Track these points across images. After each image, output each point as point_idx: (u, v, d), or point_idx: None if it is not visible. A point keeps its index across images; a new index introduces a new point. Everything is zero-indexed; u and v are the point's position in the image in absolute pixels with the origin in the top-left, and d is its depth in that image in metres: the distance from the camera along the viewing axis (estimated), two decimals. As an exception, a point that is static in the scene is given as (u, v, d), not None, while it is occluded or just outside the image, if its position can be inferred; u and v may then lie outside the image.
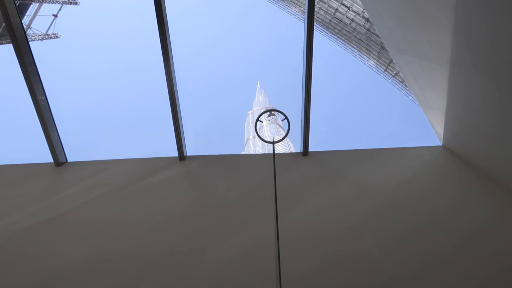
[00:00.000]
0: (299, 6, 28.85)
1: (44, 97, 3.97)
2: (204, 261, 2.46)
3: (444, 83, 3.28)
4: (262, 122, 3.55)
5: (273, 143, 3.39)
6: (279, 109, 3.79)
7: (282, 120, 3.48)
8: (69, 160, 4.32)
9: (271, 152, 3.29)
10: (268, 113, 3.87)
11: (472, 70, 2.71)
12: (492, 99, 2.73)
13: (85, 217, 3.10)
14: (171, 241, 2.70)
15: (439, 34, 2.77)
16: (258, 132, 3.67)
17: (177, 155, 4.23)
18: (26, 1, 27.77)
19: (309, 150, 4.24)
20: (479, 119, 3.17)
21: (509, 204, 2.98)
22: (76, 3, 34.65)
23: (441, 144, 4.31)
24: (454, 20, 2.45)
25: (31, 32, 32.70)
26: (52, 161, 4.16)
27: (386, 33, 3.93)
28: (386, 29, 3.85)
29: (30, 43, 3.77)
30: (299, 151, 4.33)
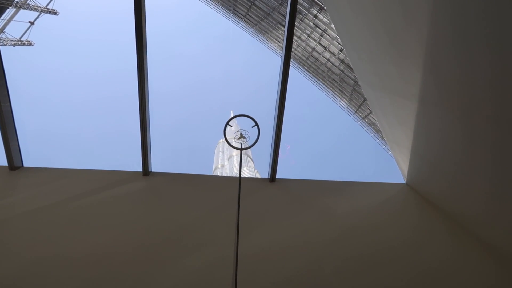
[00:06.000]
0: (278, 42, 29.90)
1: (8, 103, 3.89)
2: (152, 279, 2.36)
3: (412, 120, 3.37)
4: (231, 126, 3.49)
5: (241, 149, 3.31)
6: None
7: (252, 127, 3.39)
8: (25, 165, 4.13)
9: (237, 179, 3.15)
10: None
11: (439, 107, 2.78)
12: (456, 138, 2.80)
13: (32, 223, 2.93)
14: (122, 256, 2.57)
15: (410, 69, 2.84)
16: (228, 140, 3.57)
17: (141, 170, 4.14)
18: (2, 5, 27.11)
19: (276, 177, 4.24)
20: (443, 158, 3.25)
21: (464, 242, 3.08)
22: (55, 13, 34.22)
23: (404, 182, 4.45)
24: (425, 56, 2.53)
25: (3, 36, 31.74)
26: (6, 164, 3.97)
27: (360, 66, 4.03)
28: (360, 62, 3.95)
29: (1, 47, 3.67)
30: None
